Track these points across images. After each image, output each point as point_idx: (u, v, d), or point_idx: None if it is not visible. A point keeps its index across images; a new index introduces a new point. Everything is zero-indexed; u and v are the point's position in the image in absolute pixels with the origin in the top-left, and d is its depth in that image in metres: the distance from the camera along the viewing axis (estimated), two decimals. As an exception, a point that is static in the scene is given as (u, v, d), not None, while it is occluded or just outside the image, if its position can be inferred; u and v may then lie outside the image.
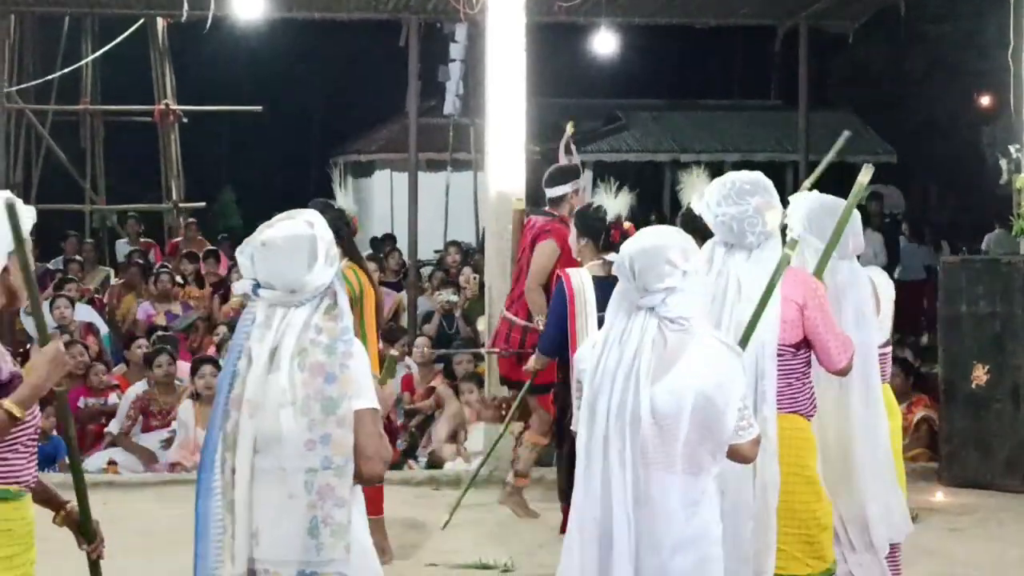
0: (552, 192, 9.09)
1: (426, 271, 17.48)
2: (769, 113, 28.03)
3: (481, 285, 13.32)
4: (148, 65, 20.04)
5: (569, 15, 16.66)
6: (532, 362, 8.47)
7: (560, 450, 8.54)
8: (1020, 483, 10.37)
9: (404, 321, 14.29)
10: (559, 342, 8.01)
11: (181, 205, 20.62)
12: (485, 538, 8.68)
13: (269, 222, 4.36)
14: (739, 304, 5.42)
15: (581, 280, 7.93)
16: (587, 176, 26.28)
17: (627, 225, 7.97)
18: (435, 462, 10.98)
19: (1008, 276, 10.49)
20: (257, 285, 4.30)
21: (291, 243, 4.26)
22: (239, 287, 4.41)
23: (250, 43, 26.61)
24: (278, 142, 30.70)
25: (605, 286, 6.51)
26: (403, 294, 15.10)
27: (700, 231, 5.97)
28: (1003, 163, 12.20)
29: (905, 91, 28.95)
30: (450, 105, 20.48)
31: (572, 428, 4.85)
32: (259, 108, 20.07)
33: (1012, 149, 11.90)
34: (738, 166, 27.44)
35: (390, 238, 19.94)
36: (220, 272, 15.95)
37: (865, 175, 5.86)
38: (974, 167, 24.78)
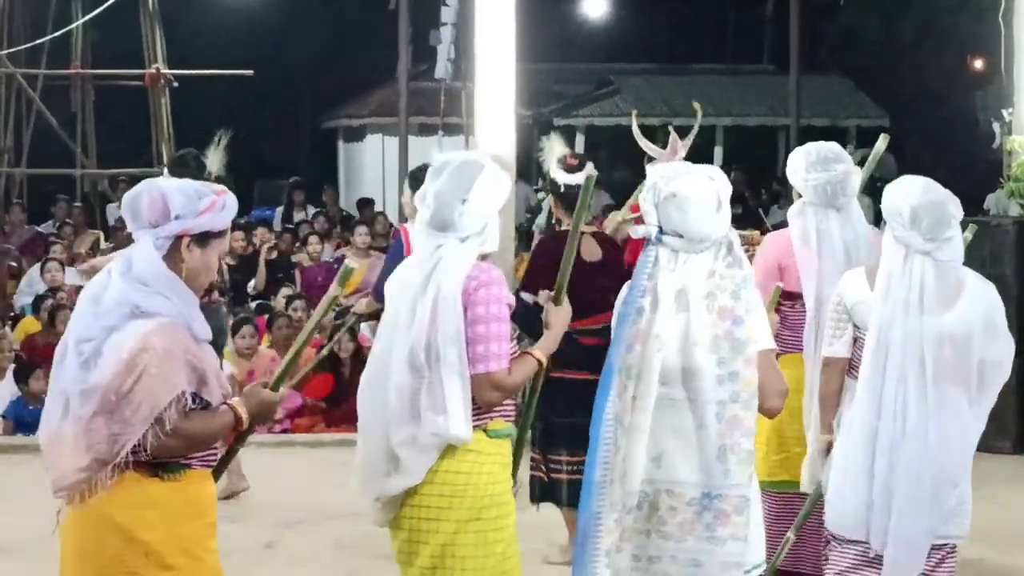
0: None
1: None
2: (761, 77, 27.99)
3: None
4: (138, 29, 19.93)
5: (560, -22, 16.62)
6: (362, 305, 8.87)
7: None
8: (1009, 444, 10.42)
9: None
10: None
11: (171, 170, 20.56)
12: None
13: (668, 173, 4.67)
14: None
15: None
16: (579, 140, 26.30)
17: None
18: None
19: (998, 238, 10.51)
20: (660, 231, 4.58)
21: (700, 196, 4.57)
22: (640, 231, 4.67)
23: (240, 7, 26.53)
24: (269, 106, 30.58)
25: None
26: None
27: (556, 192, 7.41)
28: (996, 126, 12.22)
29: (897, 55, 28.89)
30: (441, 69, 20.41)
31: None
32: (250, 72, 19.99)
33: (1004, 113, 11.92)
34: (730, 131, 27.53)
35: (368, 202, 19.93)
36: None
37: (882, 143, 6.61)
38: (967, 131, 24.75)
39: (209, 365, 4.14)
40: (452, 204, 4.58)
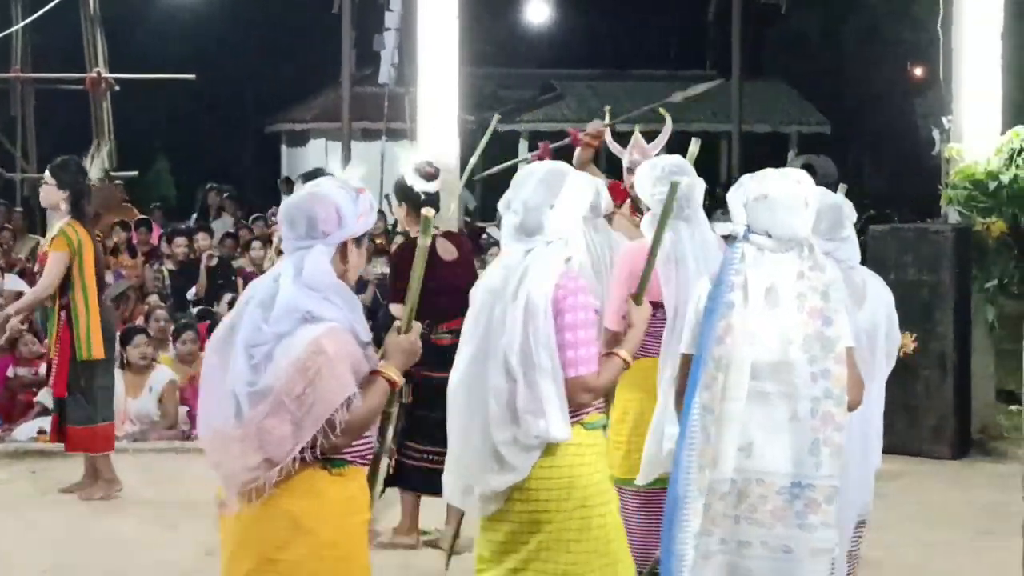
0: None
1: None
2: (703, 83, 28.11)
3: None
4: (80, 33, 19.79)
5: (504, -16, 16.63)
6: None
7: None
8: (947, 450, 10.50)
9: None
10: None
11: (113, 174, 20.43)
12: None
13: (759, 175, 4.98)
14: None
15: None
16: (522, 146, 26.32)
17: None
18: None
19: (936, 244, 10.60)
20: (748, 230, 4.89)
21: (791, 199, 4.88)
22: (725, 228, 5.04)
23: (183, 11, 26.41)
24: (212, 111, 30.46)
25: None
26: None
27: (412, 200, 7.74)
28: (935, 134, 12.30)
29: (839, 62, 29.10)
30: (385, 74, 20.38)
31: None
32: (192, 76, 19.87)
33: (944, 120, 11.99)
34: (674, 136, 27.60)
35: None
36: (152, 241, 15.85)
37: (694, 147, 6.95)
38: (907, 137, 24.97)
39: (370, 367, 4.31)
40: (541, 210, 4.83)
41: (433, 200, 7.78)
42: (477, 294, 4.96)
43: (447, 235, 8.13)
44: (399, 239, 14.75)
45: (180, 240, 14.73)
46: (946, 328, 10.51)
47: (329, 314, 4.18)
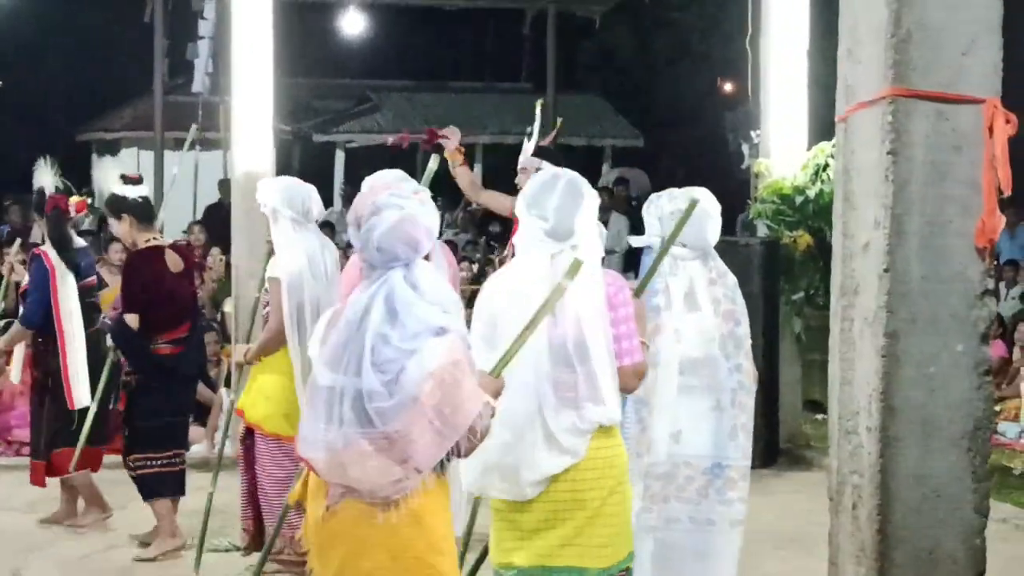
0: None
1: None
2: (519, 96, 28.22)
3: (228, 265, 13.15)
4: None
5: (319, -6, 16.57)
6: (12, 335, 9.21)
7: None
8: (756, 459, 10.58)
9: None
10: (46, 315, 8.62)
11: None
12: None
13: (668, 193, 6.03)
14: None
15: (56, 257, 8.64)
16: (339, 157, 26.22)
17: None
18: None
19: (746, 257, 10.80)
20: (662, 241, 5.71)
21: (702, 213, 5.83)
22: (640, 240, 6.00)
23: (-12, 16, 25.78)
24: (20, 119, 29.75)
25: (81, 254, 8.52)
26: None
27: (132, 209, 8.13)
28: (744, 148, 12.55)
29: (652, 76, 29.51)
30: (199, 83, 20.12)
31: None
32: (-2, 82, 19.44)
33: (752, 135, 12.24)
34: (489, 148, 27.72)
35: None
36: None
37: (434, 163, 7.23)
38: (717, 151, 25.40)
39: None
40: (572, 215, 5.07)
41: (148, 203, 8.20)
42: (495, 298, 5.13)
43: (174, 247, 8.40)
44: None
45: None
46: (755, 339, 10.57)
47: (453, 325, 4.35)
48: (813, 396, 12.20)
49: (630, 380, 5.14)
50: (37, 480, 8.95)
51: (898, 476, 4.85)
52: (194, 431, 10.83)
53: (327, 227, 16.72)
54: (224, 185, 19.14)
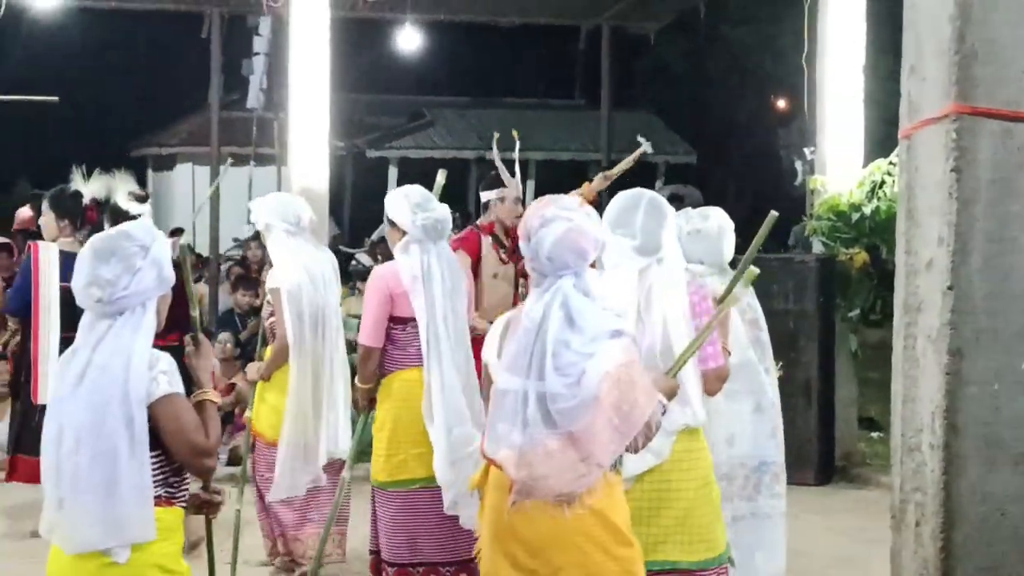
0: (483, 198, 9.16)
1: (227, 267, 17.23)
2: (573, 112, 28.29)
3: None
4: (-60, 52, 19.45)
5: (374, 11, 16.63)
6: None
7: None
8: (811, 476, 10.65)
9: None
10: (25, 304, 8.77)
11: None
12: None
13: (683, 213, 6.30)
14: None
15: (48, 254, 8.76)
16: (392, 172, 26.30)
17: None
18: (234, 459, 10.87)
19: (801, 274, 10.76)
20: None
21: (718, 231, 6.35)
22: None
23: (48, 32, 25.98)
24: (77, 134, 30.04)
25: (71, 258, 7.98)
26: (203, 287, 14.89)
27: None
28: (798, 165, 12.50)
29: (705, 93, 29.47)
30: (254, 99, 20.23)
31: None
32: (55, 99, 19.59)
33: (806, 151, 12.20)
34: (542, 165, 27.77)
35: (178, 231, 19.62)
36: (13, 266, 15.53)
37: (441, 177, 7.36)
38: (770, 168, 25.34)
39: None
40: (658, 231, 5.38)
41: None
42: None
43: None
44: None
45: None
46: (810, 356, 10.68)
47: (625, 328, 4.57)
48: (869, 414, 12.13)
49: (713, 384, 5.45)
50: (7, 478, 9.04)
51: (961, 494, 4.82)
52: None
53: (382, 243, 16.72)
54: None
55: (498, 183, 8.92)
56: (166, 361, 4.41)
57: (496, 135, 9.92)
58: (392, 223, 7.31)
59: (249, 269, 15.13)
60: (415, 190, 7.20)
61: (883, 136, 13.32)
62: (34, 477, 8.69)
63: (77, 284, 4.40)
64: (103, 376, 4.26)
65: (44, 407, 8.36)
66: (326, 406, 7.72)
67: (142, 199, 8.56)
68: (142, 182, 28.61)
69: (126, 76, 30.62)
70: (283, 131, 14.31)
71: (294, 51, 11.07)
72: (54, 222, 8.89)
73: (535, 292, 4.61)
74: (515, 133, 9.51)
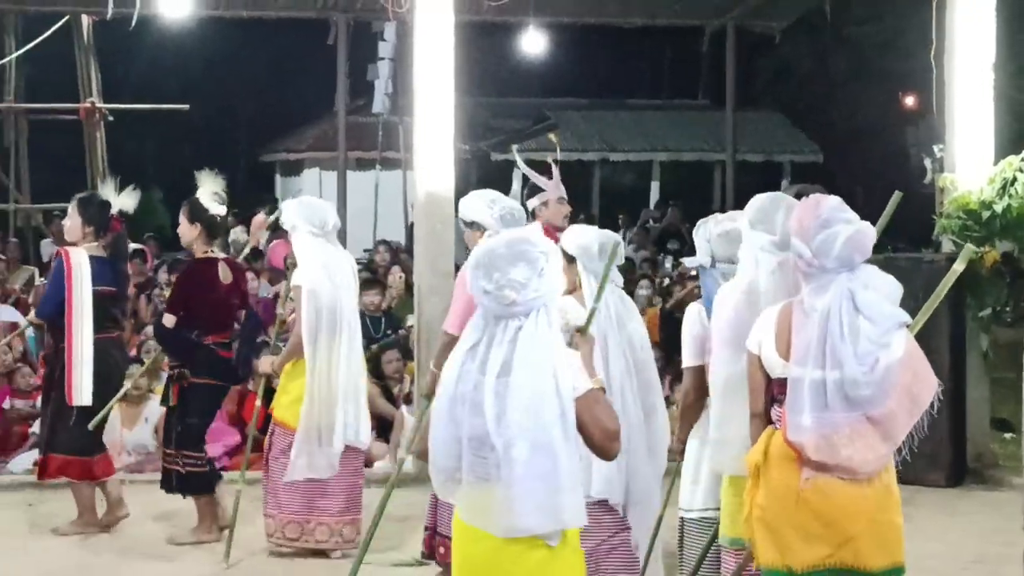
0: (528, 207, 9.19)
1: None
2: (697, 113, 28.14)
3: (409, 285, 13.31)
4: (73, 63, 19.82)
5: (498, 14, 16.68)
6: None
7: None
8: (942, 477, 10.52)
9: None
10: (57, 308, 8.87)
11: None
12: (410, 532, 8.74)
13: (713, 217, 6.27)
14: None
15: (79, 258, 8.89)
16: (516, 175, 26.35)
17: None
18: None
19: (931, 274, 10.61)
20: (713, 261, 6.09)
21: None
22: (692, 262, 6.29)
23: (177, 41, 26.41)
24: (206, 141, 30.46)
25: (99, 263, 8.82)
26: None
27: (205, 221, 8.71)
28: (927, 163, 12.34)
29: (831, 92, 29.17)
30: (379, 104, 20.45)
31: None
32: (186, 107, 19.93)
33: (936, 149, 12.04)
34: (666, 165, 27.68)
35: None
36: (147, 271, 15.83)
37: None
38: (898, 166, 25.01)
39: None
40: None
41: (223, 223, 9.08)
42: (729, 304, 5.69)
43: (228, 261, 8.99)
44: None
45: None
46: (941, 356, 10.52)
47: (907, 317, 5.03)
48: (1001, 414, 11.95)
49: None
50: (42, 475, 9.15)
51: (1097, 496, 4.74)
52: (378, 447, 10.95)
53: (382, 244, 16.76)
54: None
55: (537, 190, 8.86)
56: (574, 358, 4.63)
57: (545, 138, 9.91)
58: (470, 224, 7.58)
59: (376, 272, 15.27)
60: (486, 191, 7.70)
61: (1014, 133, 13.13)
62: (75, 474, 8.96)
63: (484, 287, 4.56)
64: (535, 373, 4.42)
65: (79, 408, 8.66)
66: (342, 396, 8.20)
67: (222, 201, 8.89)
68: (270, 187, 29.15)
69: (254, 83, 31.00)
70: (408, 135, 14.44)
71: (419, 56, 11.15)
72: (80, 226, 9.05)
73: (812, 288, 5.02)
74: (553, 137, 9.58)
